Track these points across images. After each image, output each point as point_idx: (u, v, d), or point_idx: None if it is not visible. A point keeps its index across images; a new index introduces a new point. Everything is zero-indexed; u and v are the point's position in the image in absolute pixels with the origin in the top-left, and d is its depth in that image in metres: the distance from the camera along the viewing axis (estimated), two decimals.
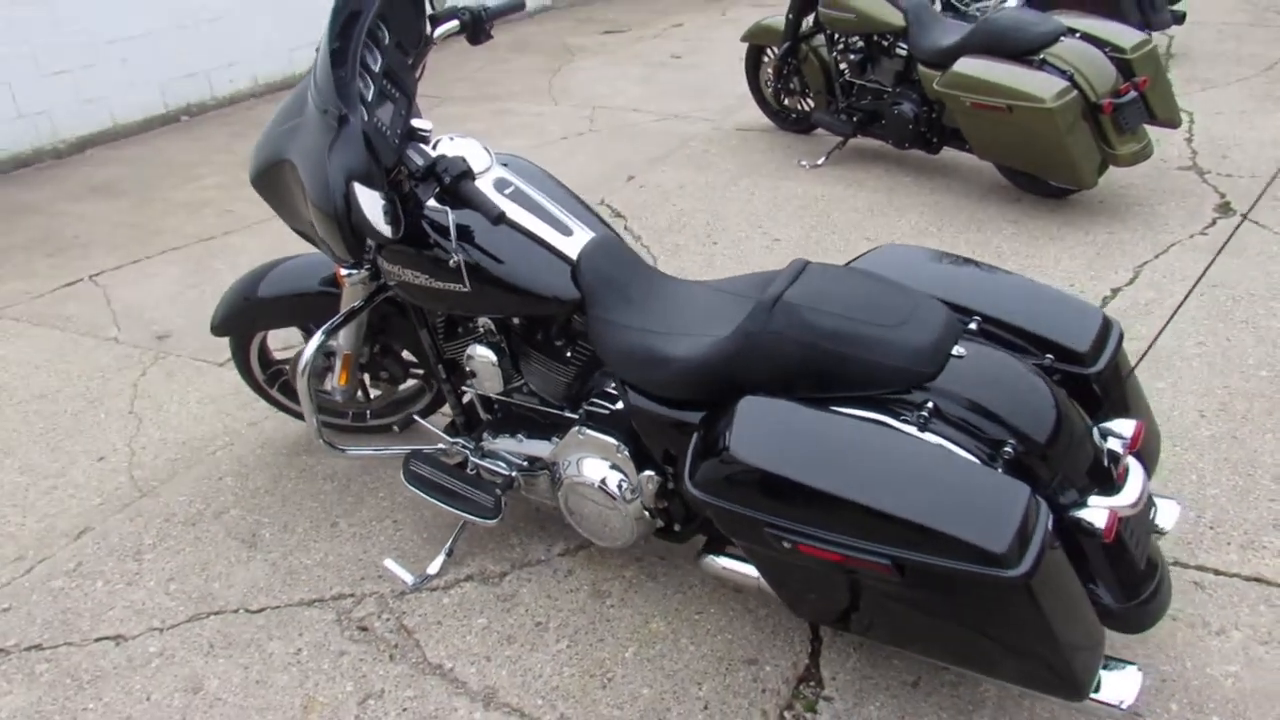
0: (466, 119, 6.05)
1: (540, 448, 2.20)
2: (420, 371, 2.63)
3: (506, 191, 2.07)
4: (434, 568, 2.30)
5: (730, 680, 1.99)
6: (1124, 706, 1.62)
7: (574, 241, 2.04)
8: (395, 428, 2.74)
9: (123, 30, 5.87)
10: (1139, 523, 1.73)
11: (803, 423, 1.66)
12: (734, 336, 1.78)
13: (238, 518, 2.53)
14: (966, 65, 3.93)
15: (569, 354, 2.15)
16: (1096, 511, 1.62)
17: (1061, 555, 1.58)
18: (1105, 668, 1.67)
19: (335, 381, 2.50)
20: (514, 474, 2.22)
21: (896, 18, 4.33)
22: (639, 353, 1.91)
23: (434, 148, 2.05)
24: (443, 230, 2.00)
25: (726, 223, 4.23)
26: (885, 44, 4.50)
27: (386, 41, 2.15)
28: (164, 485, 2.67)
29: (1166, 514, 1.91)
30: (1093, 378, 1.83)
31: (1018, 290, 1.95)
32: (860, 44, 4.60)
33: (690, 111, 5.90)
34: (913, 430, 1.66)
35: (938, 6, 6.54)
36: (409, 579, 2.26)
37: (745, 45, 5.20)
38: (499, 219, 1.89)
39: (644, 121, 5.78)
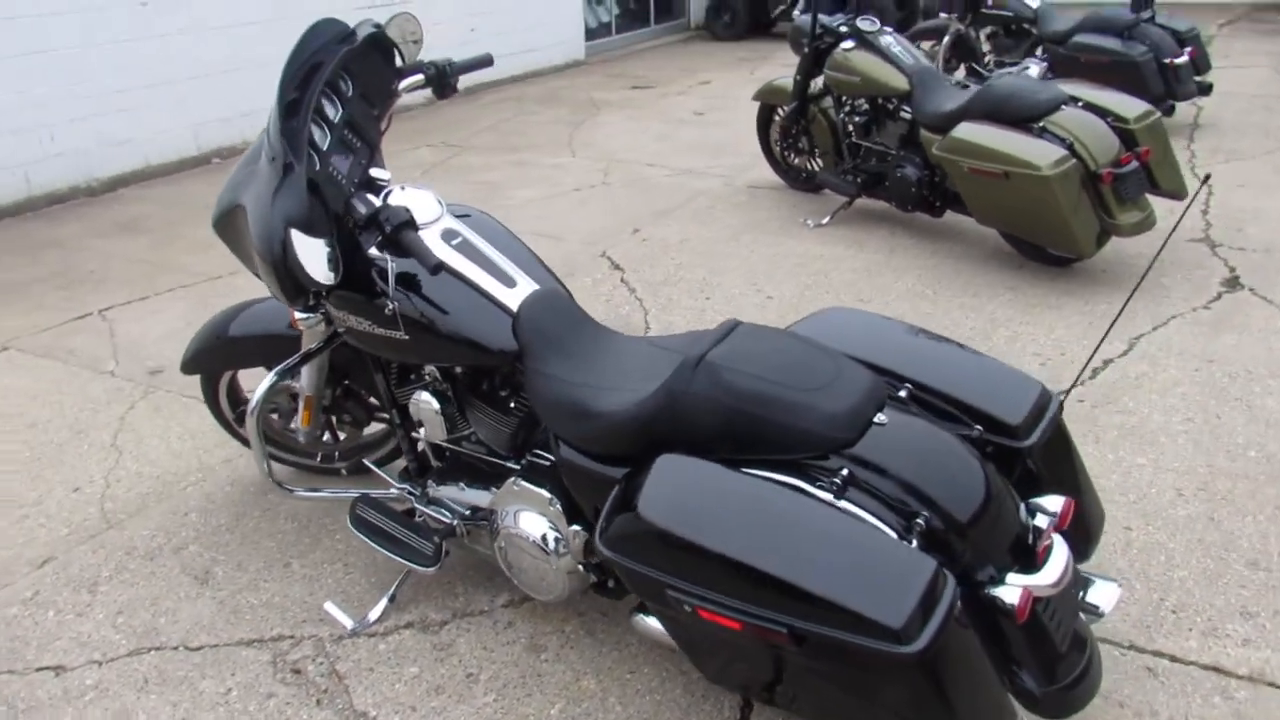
0: (486, 169, 6.16)
1: (483, 497, 2.20)
2: (385, 416, 2.66)
3: (454, 242, 2.10)
4: (374, 613, 2.30)
5: None
6: None
7: (517, 294, 2.06)
8: (343, 471, 2.77)
9: (158, 75, 6.09)
10: (1062, 603, 1.69)
11: (714, 484, 1.64)
12: (656, 394, 1.78)
13: (195, 554, 2.56)
14: (965, 130, 3.94)
15: (512, 405, 2.16)
16: (1011, 590, 1.58)
17: (969, 634, 1.54)
18: None
19: (299, 422, 2.53)
20: (456, 522, 2.22)
21: (900, 81, 4.36)
22: (567, 405, 1.91)
23: (386, 197, 2.08)
24: (385, 278, 2.03)
25: (723, 278, 4.24)
26: (890, 107, 4.52)
27: (350, 93, 2.21)
28: (131, 519, 2.71)
29: (1104, 595, 1.86)
30: (1025, 451, 1.80)
31: (956, 360, 1.94)
32: (865, 106, 4.63)
33: (704, 168, 5.96)
34: (827, 497, 1.64)
35: (961, 72, 6.59)
36: (348, 623, 2.27)
37: (772, 104, 5.24)
38: (436, 269, 1.92)
39: (657, 176, 5.84)
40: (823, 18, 4.66)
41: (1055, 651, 1.66)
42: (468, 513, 2.23)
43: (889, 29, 4.59)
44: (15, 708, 2.08)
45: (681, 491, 1.64)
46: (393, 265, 2.02)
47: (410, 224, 1.96)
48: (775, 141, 5.27)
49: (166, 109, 6.19)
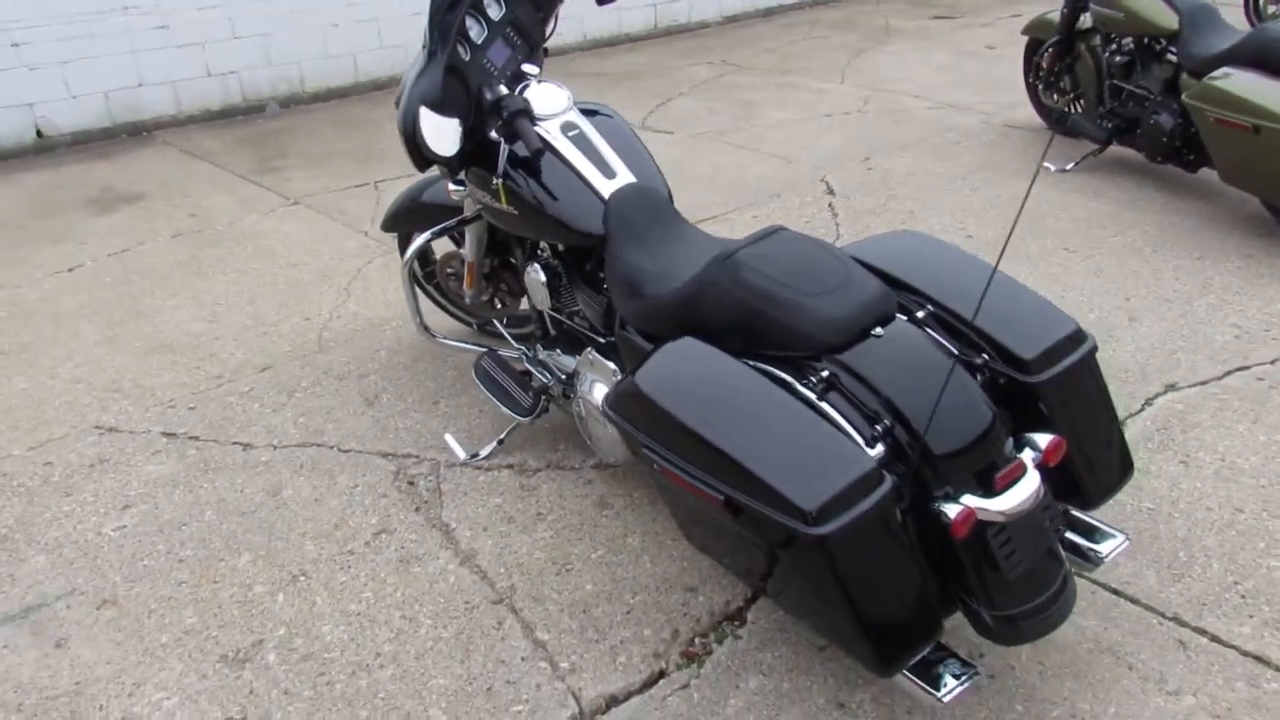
0: (751, 89, 6.30)
1: (573, 365, 2.48)
2: None
3: (570, 134, 2.35)
4: (484, 451, 2.67)
5: (663, 599, 2.18)
6: (943, 700, 1.63)
7: (614, 185, 2.29)
8: (474, 325, 3.15)
9: None
10: (1021, 534, 1.69)
11: (706, 367, 1.80)
12: (689, 282, 1.96)
13: (372, 381, 3.07)
14: (1220, 76, 3.55)
15: (605, 284, 2.41)
16: (954, 507, 1.62)
17: (894, 538, 1.60)
18: (945, 664, 1.68)
19: (465, 286, 2.93)
20: (550, 382, 2.53)
21: (1169, 20, 3.97)
22: (627, 285, 2.13)
23: (521, 90, 2.37)
24: (511, 157, 2.32)
25: (931, 214, 4.16)
26: (1156, 48, 4.13)
27: None
28: (337, 347, 3.28)
29: (1106, 545, 1.83)
30: (1033, 386, 1.78)
31: (998, 290, 1.92)
32: (1130, 46, 4.26)
33: (970, 103, 5.72)
34: (807, 394, 1.75)
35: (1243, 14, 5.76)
36: (461, 455, 2.66)
37: (1040, 39, 4.94)
38: (538, 153, 2.20)
39: (917, 108, 5.70)
40: None
41: (1002, 579, 1.67)
42: (563, 377, 2.53)
43: None
44: (208, 465, 2.68)
45: (676, 369, 1.82)
46: (504, 147, 2.32)
47: (524, 113, 2.24)
48: (1037, 79, 4.96)
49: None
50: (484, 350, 2.76)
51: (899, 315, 1.87)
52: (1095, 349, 1.85)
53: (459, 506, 2.49)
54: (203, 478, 2.63)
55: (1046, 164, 4.59)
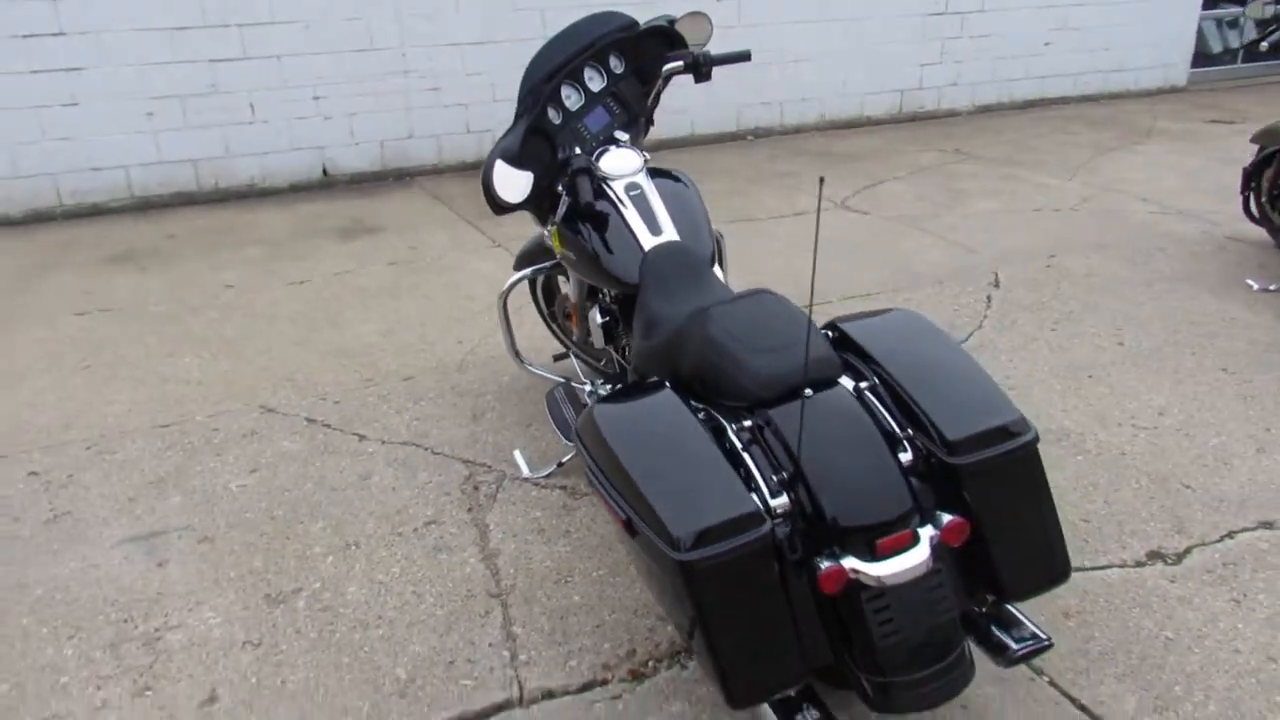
0: (968, 178, 6.24)
1: None
2: None
3: (632, 193, 2.62)
4: (544, 471, 2.96)
5: (634, 621, 2.34)
6: None
7: (658, 240, 2.52)
8: (554, 358, 3.43)
9: None
10: (902, 604, 1.72)
11: (655, 407, 1.96)
12: (672, 332, 2.15)
13: (485, 401, 3.46)
14: None
15: None
16: (827, 563, 1.70)
17: (765, 581, 1.69)
18: (806, 712, 1.73)
19: (571, 323, 3.26)
20: None
21: None
22: (640, 331, 2.35)
23: (597, 154, 2.68)
24: (569, 209, 2.63)
25: (1088, 316, 3.99)
26: None
27: (622, 70, 2.84)
28: (473, 369, 3.72)
29: (1022, 638, 1.81)
30: (955, 468, 1.80)
31: (954, 374, 1.95)
32: None
33: (1200, 211, 5.35)
34: (737, 442, 1.89)
35: None
36: (524, 471, 2.96)
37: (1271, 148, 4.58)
38: (587, 206, 2.50)
39: (1137, 212, 5.41)
40: None
41: (873, 644, 1.71)
42: None
43: None
44: (326, 448, 3.17)
45: (629, 406, 2.01)
46: (565, 199, 2.63)
47: (585, 170, 2.55)
48: (1265, 191, 4.58)
49: (715, 91, 7.31)
50: (560, 381, 3.06)
51: (850, 382, 1.96)
52: (1034, 441, 1.84)
53: (503, 513, 2.79)
54: (317, 457, 3.11)
55: (1249, 280, 4.23)
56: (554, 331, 3.58)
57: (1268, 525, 2.64)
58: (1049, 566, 1.87)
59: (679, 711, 2.07)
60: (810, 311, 1.90)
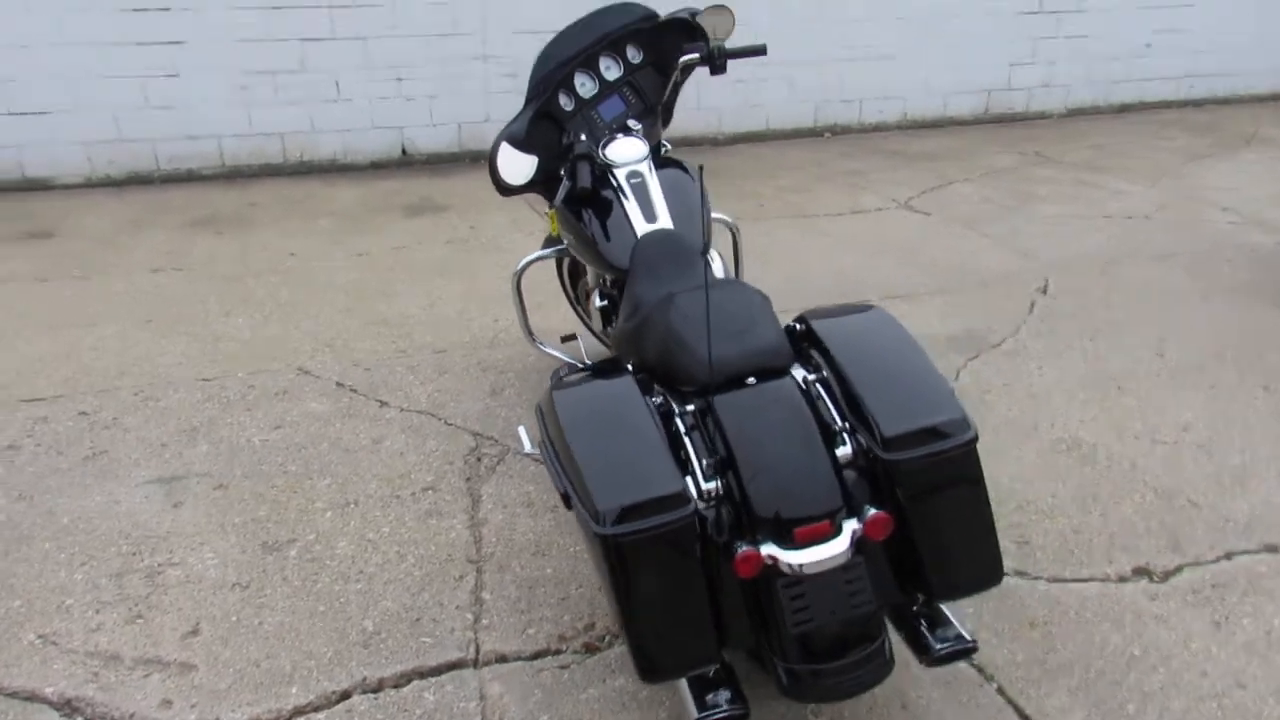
0: (1044, 181, 6.07)
1: None
2: None
3: (632, 181, 2.67)
4: None
5: (600, 598, 2.41)
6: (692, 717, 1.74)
7: (652, 227, 2.57)
8: (561, 339, 3.49)
9: (794, 55, 7.16)
10: (819, 594, 1.74)
11: (608, 388, 2.01)
12: (642, 316, 2.20)
13: (506, 379, 3.57)
14: None
15: None
16: (744, 547, 1.73)
17: (683, 558, 1.74)
18: (719, 693, 1.77)
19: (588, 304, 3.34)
20: None
21: None
22: (623, 313, 2.41)
23: (603, 143, 2.73)
24: (568, 193, 2.70)
25: (1132, 326, 3.86)
26: None
27: (640, 60, 2.90)
28: (503, 346, 3.83)
29: (947, 638, 1.82)
30: (888, 464, 1.81)
31: (905, 371, 1.94)
32: None
33: None
34: (679, 425, 1.94)
35: None
36: (526, 446, 3.03)
37: None
38: (583, 191, 2.56)
39: (1215, 221, 5.19)
40: None
41: (784, 630, 1.74)
42: None
43: None
44: (349, 411, 3.32)
45: (585, 386, 2.07)
46: (565, 183, 2.69)
47: (585, 157, 2.61)
48: None
49: (797, 86, 7.27)
50: (566, 362, 3.14)
51: (801, 373, 1.98)
52: (972, 442, 1.83)
53: (499, 485, 2.89)
54: (338, 419, 3.27)
55: None
56: (578, 313, 3.66)
57: (1271, 549, 2.54)
58: (979, 569, 1.86)
59: (620, 686, 2.14)
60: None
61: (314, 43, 6.26)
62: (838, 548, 1.73)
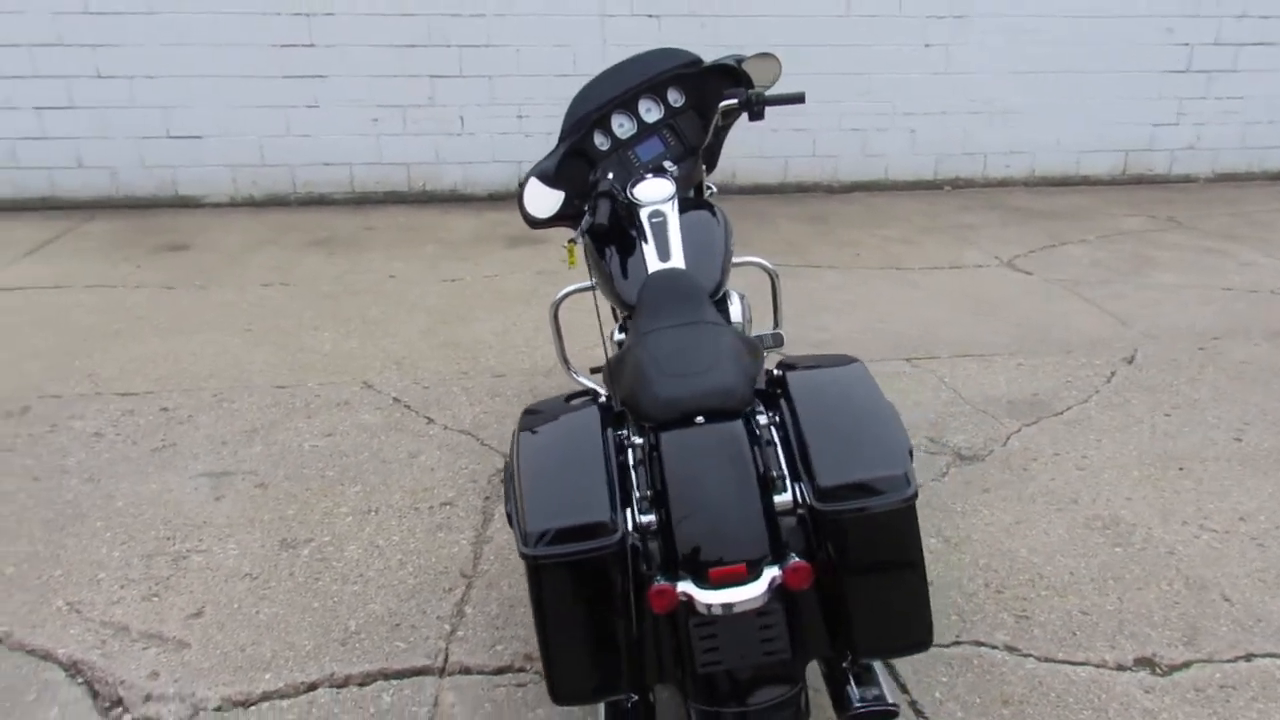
0: (1167, 247, 5.76)
1: None
2: None
3: (654, 220, 2.73)
4: None
5: None
6: None
7: (664, 266, 2.62)
8: (590, 371, 3.53)
9: (919, 106, 7.07)
10: (727, 635, 1.73)
11: (573, 419, 2.09)
12: (624, 350, 2.26)
13: (527, 399, 3.66)
14: None
15: None
16: (659, 583, 1.75)
17: (606, 587, 1.77)
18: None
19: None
20: None
21: None
22: (618, 347, 2.47)
23: (631, 183, 2.81)
24: (588, 227, 2.78)
25: (1214, 407, 3.61)
26: None
27: (681, 104, 2.98)
28: (560, 375, 3.94)
29: (869, 704, 1.78)
30: (819, 514, 1.79)
31: (859, 424, 1.92)
32: None
33: None
34: (630, 456, 1.98)
35: None
36: None
37: None
38: (598, 227, 2.64)
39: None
40: None
41: (691, 665, 1.74)
42: None
43: None
44: (396, 426, 3.50)
45: (551, 413, 2.14)
46: (586, 218, 2.78)
47: (608, 194, 2.69)
48: None
49: (919, 136, 7.16)
50: (599, 392, 3.20)
51: (764, 418, 1.98)
52: (911, 499, 1.79)
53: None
54: (385, 432, 3.45)
55: None
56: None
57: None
58: (904, 630, 1.81)
59: (567, 710, 2.17)
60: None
61: (443, 79, 6.63)
62: (753, 592, 1.72)
